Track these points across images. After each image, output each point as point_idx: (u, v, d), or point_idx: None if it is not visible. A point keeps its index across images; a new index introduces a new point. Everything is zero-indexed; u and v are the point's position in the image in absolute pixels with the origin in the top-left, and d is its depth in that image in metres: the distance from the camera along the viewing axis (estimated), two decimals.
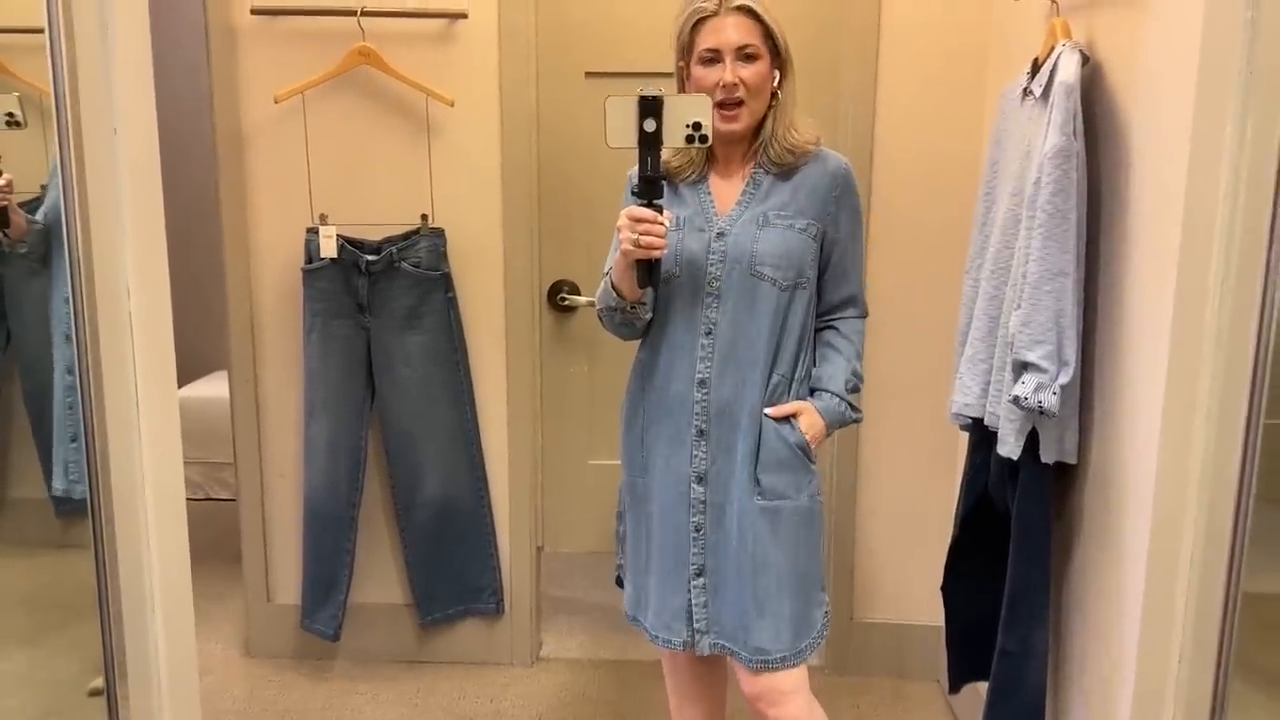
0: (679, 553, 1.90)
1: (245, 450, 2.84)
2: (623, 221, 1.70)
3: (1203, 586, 1.50)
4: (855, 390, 1.94)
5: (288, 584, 2.90)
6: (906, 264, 2.68)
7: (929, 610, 2.74)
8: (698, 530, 1.89)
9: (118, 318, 1.33)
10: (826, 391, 1.91)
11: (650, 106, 1.64)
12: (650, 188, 1.68)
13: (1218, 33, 1.41)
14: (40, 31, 2.12)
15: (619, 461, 2.01)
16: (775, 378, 1.88)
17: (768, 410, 1.85)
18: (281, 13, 2.58)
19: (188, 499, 4.28)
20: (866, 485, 2.80)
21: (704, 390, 1.86)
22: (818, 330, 1.97)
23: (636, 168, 1.91)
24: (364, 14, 2.52)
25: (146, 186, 1.35)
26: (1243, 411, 1.47)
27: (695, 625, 1.89)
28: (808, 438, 1.87)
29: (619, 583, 2.09)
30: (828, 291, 1.94)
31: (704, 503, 1.88)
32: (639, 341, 1.98)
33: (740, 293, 1.82)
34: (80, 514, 2.24)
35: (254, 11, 2.58)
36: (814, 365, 1.96)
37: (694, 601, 1.89)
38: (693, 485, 1.88)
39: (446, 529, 2.77)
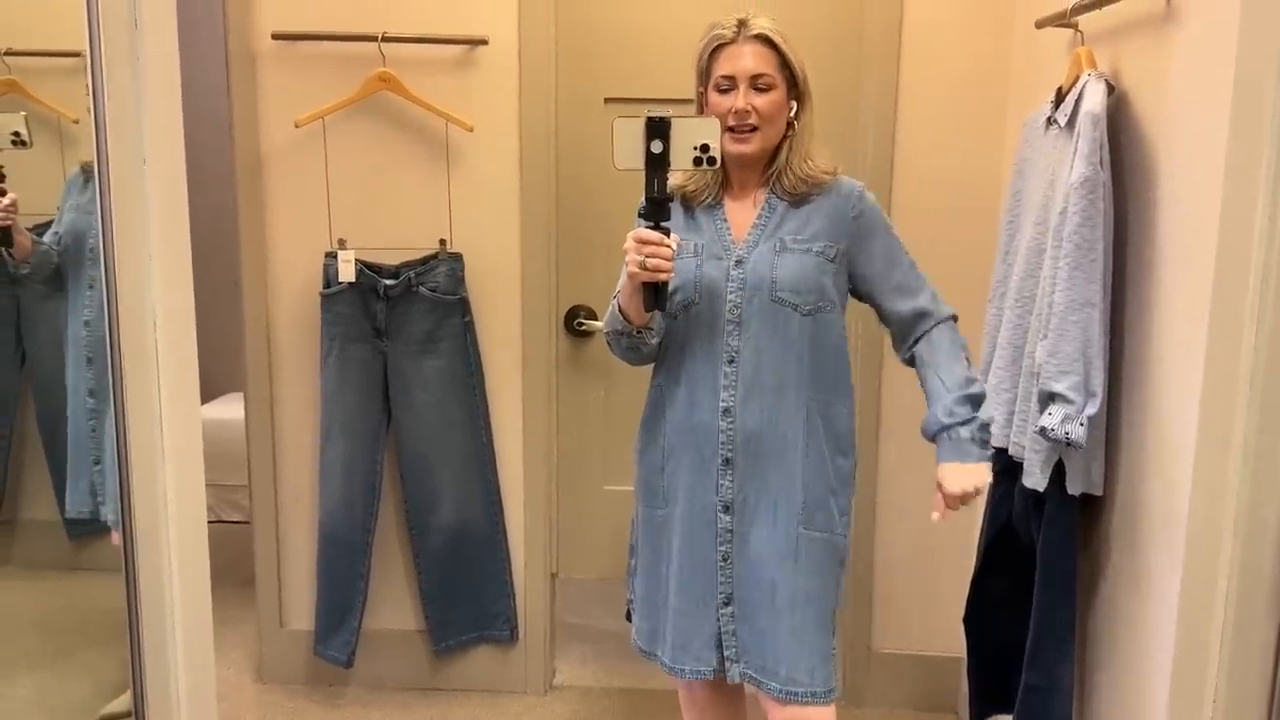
0: (706, 582, 1.87)
1: (260, 473, 2.83)
2: (629, 244, 1.68)
3: (1239, 629, 1.48)
4: (970, 395, 1.80)
5: (301, 609, 2.88)
6: None
7: (948, 641, 2.71)
8: (725, 560, 1.87)
9: (144, 344, 1.32)
10: (945, 428, 1.81)
11: (657, 128, 1.63)
12: (657, 210, 1.67)
13: (1253, 63, 1.40)
14: (58, 55, 2.14)
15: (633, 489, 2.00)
16: (816, 400, 1.85)
17: (934, 516, 1.84)
18: (302, 38, 2.59)
19: None
20: (886, 514, 2.77)
21: (729, 419, 1.84)
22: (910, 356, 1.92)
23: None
24: (385, 40, 2.53)
25: (174, 216, 1.35)
26: (1244, 437, 1.46)
27: (726, 654, 1.88)
28: (972, 488, 1.77)
29: (629, 617, 2.06)
30: (892, 314, 1.89)
31: (731, 532, 1.86)
32: (653, 369, 1.97)
33: (762, 319, 1.81)
34: (93, 536, 2.23)
35: (275, 36, 2.59)
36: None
37: (724, 630, 1.87)
38: (719, 515, 1.86)
39: (461, 555, 2.75)
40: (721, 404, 1.84)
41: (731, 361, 1.83)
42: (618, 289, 1.88)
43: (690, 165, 1.66)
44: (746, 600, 1.86)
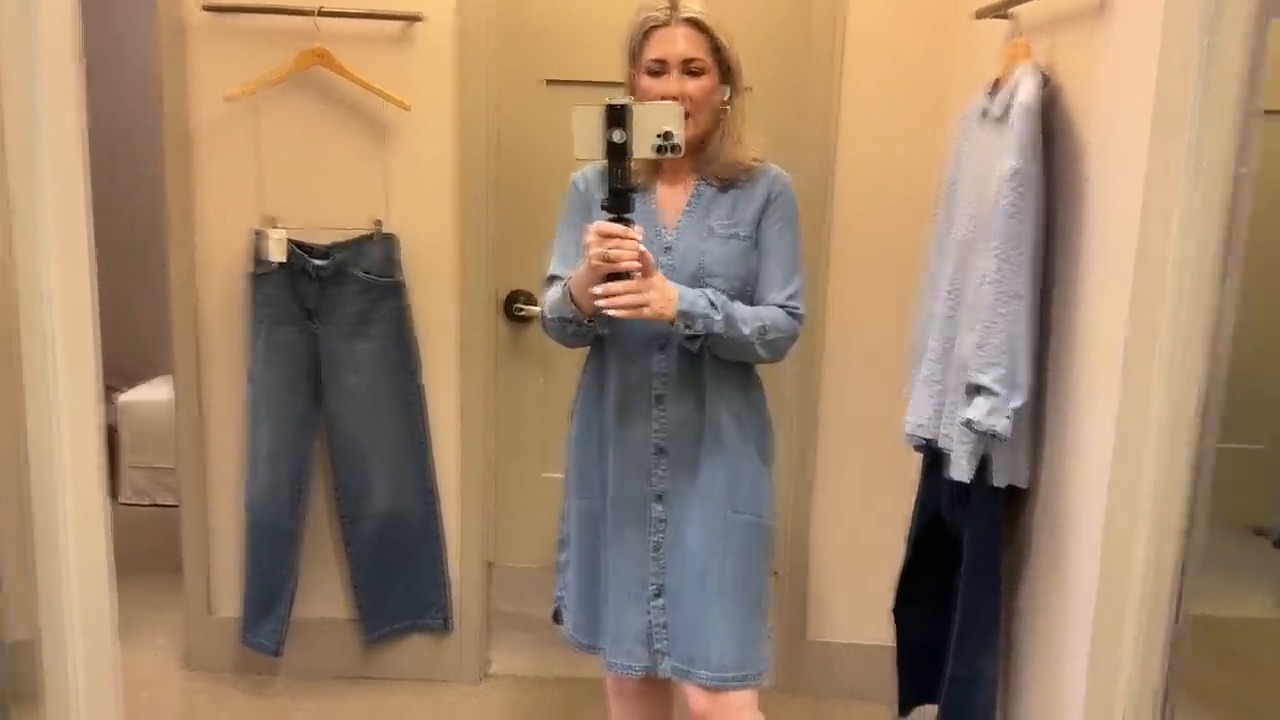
0: (638, 574, 1.87)
1: (187, 457, 2.76)
2: (590, 237, 1.64)
3: (1151, 618, 1.48)
4: (731, 322, 1.76)
5: (230, 596, 2.82)
6: (866, 283, 2.66)
7: (883, 631, 2.71)
8: (657, 550, 1.87)
9: (40, 327, 1.26)
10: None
11: (618, 116, 1.59)
12: (620, 201, 1.63)
13: (1175, 55, 1.40)
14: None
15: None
16: (743, 383, 1.88)
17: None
18: (234, 10, 2.52)
19: (133, 504, 4.16)
20: (821, 503, 2.77)
21: (661, 407, 1.84)
22: None
23: (582, 174, 1.91)
24: (320, 13, 2.47)
25: (71, 189, 1.29)
26: (1191, 437, 1.46)
27: (656, 647, 1.87)
28: (651, 300, 1.67)
29: (556, 617, 2.04)
30: (756, 296, 1.88)
31: (663, 521, 1.86)
32: (585, 357, 1.95)
33: None
34: None
35: (206, 8, 2.52)
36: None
37: (654, 623, 1.87)
38: (651, 504, 1.86)
39: (394, 542, 2.71)
40: (654, 391, 1.84)
41: (663, 349, 1.83)
42: (553, 269, 1.87)
43: (652, 154, 1.63)
44: (678, 590, 1.86)
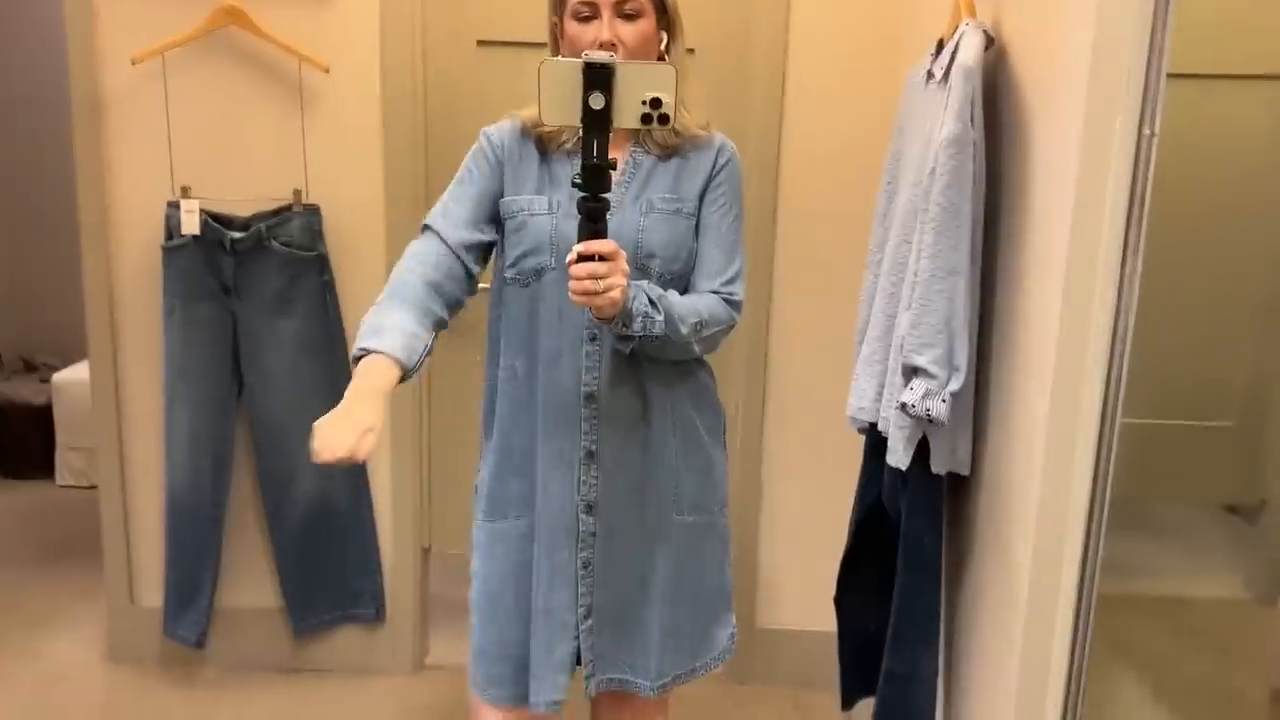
0: (565, 597, 1.66)
1: (105, 441, 2.63)
2: (573, 266, 1.41)
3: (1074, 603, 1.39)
4: (670, 322, 1.55)
5: (154, 585, 2.70)
6: (815, 259, 2.54)
7: (830, 618, 2.62)
8: (586, 567, 1.66)
9: None
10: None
11: (599, 76, 1.32)
12: (597, 179, 1.36)
13: (1112, 12, 1.28)
14: None
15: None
16: (683, 371, 1.68)
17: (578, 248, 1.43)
18: None
19: (70, 486, 4.03)
20: (771, 488, 2.67)
21: (593, 405, 1.63)
22: None
23: (497, 128, 1.68)
24: None
25: None
26: (1095, 411, 1.36)
27: (585, 672, 1.69)
28: (601, 290, 1.43)
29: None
30: (691, 280, 1.69)
31: (593, 535, 1.65)
32: (490, 351, 1.71)
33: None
34: None
35: None
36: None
37: (582, 646, 1.68)
38: (581, 516, 1.65)
39: (322, 529, 2.59)
40: (584, 388, 1.62)
41: (594, 338, 1.62)
42: (435, 212, 1.68)
43: (638, 123, 1.36)
44: (608, 605, 1.68)
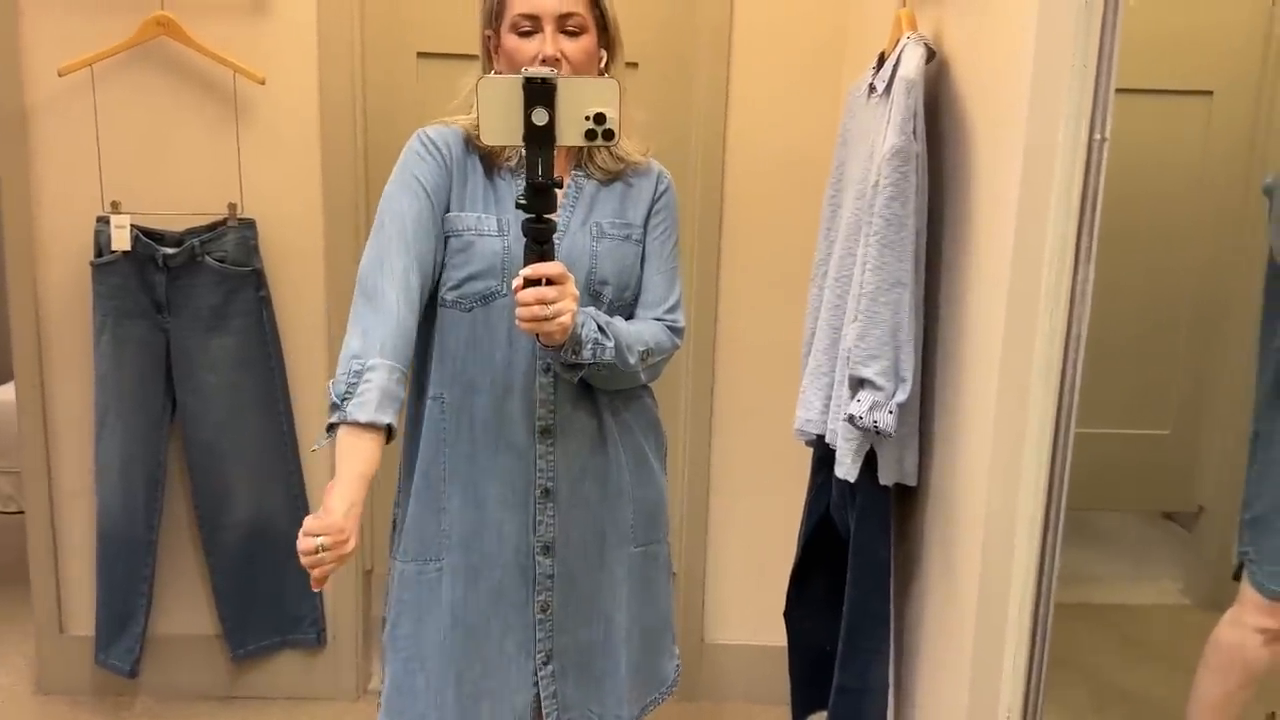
0: (522, 643, 1.59)
1: (32, 464, 2.53)
2: (521, 293, 1.34)
3: (1030, 612, 1.39)
4: (620, 350, 1.51)
5: (84, 612, 2.60)
6: (760, 272, 2.54)
7: (783, 632, 2.61)
8: (544, 610, 1.59)
9: None
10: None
11: (540, 92, 1.28)
12: (542, 199, 1.31)
13: (1052, 26, 1.29)
14: None
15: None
16: (633, 397, 1.64)
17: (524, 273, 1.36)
18: None
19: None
20: (718, 500, 2.65)
21: (549, 440, 1.55)
22: None
23: (439, 132, 1.57)
24: None
25: None
26: (1043, 419, 1.36)
27: (546, 715, 1.62)
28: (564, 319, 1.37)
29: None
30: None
31: (551, 577, 1.58)
32: (418, 379, 1.59)
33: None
34: None
35: None
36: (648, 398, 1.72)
37: (544, 693, 1.61)
38: (538, 558, 1.57)
39: (259, 553, 2.51)
40: (539, 422, 1.54)
41: (549, 369, 1.54)
42: (381, 223, 1.52)
43: (582, 140, 1.31)
44: (573, 651, 1.62)
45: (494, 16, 1.53)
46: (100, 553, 2.48)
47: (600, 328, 1.49)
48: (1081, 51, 1.18)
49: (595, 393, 1.59)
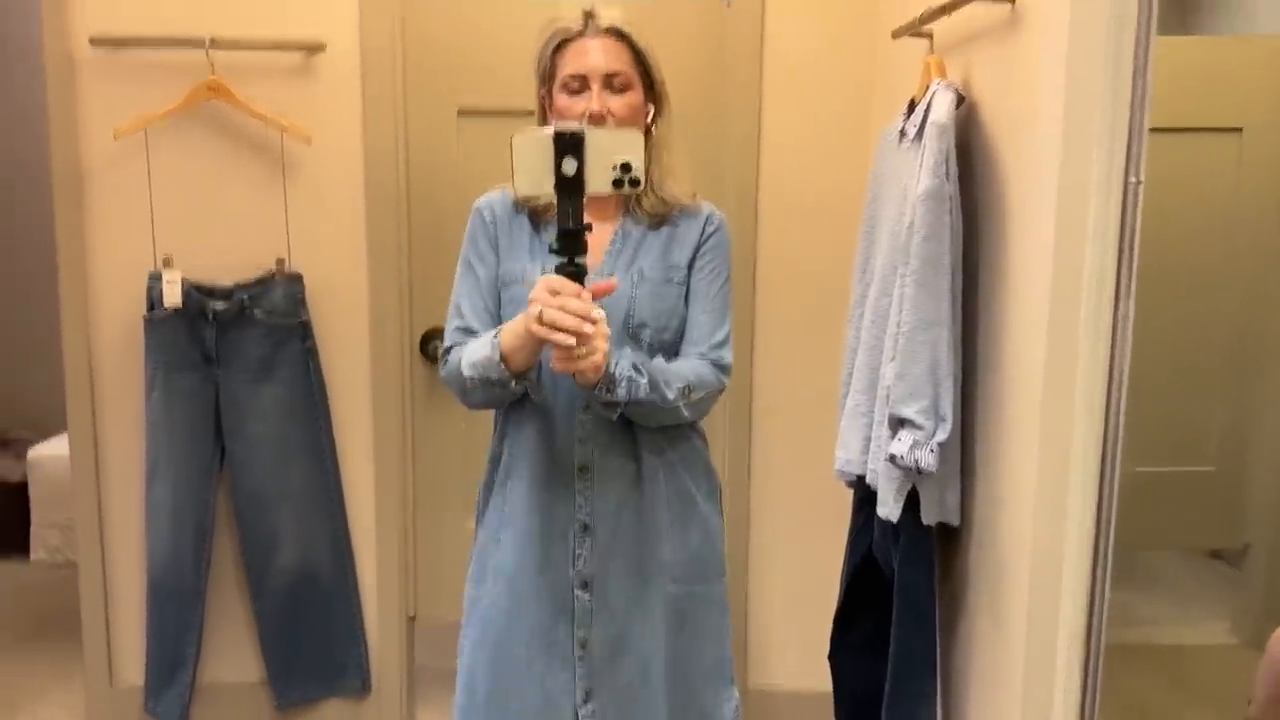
0: (562, 679, 1.62)
1: (85, 515, 2.59)
2: (538, 292, 1.38)
3: (1080, 652, 1.38)
4: (655, 385, 1.55)
5: (133, 663, 2.64)
6: (796, 314, 2.56)
7: (825, 677, 2.60)
8: (583, 646, 1.62)
9: None
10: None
11: (569, 144, 1.35)
12: (572, 243, 1.37)
13: (1082, 71, 1.32)
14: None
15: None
16: (677, 437, 1.66)
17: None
18: (124, 43, 2.39)
19: (46, 563, 3.94)
20: (759, 543, 2.66)
21: (586, 477, 1.61)
22: None
23: (487, 200, 1.69)
24: (213, 45, 2.34)
25: None
26: (1088, 457, 1.37)
27: None
28: (595, 360, 1.42)
29: None
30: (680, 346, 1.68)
31: (590, 612, 1.62)
32: (495, 420, 1.70)
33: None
34: None
35: (94, 42, 2.39)
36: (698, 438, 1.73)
37: None
38: (576, 592, 1.62)
39: (305, 600, 2.54)
40: (577, 460, 1.61)
41: (587, 407, 1.59)
42: (461, 320, 1.64)
43: (609, 188, 1.38)
44: (613, 690, 1.63)
45: (547, 78, 1.63)
46: (150, 601, 2.52)
47: (635, 365, 1.54)
48: (1111, 95, 1.20)
49: (636, 432, 1.62)
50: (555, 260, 1.39)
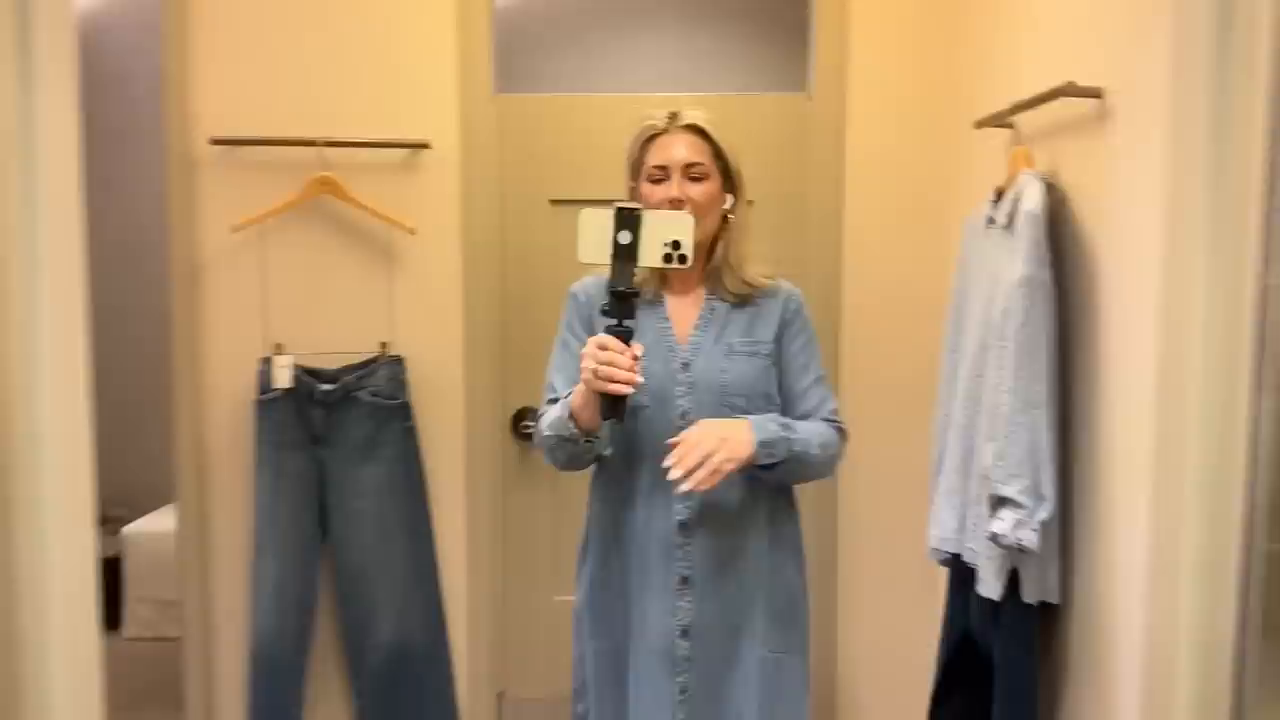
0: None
1: (191, 589, 2.68)
2: (589, 348, 1.57)
3: None
4: (797, 446, 1.70)
5: None
6: (879, 395, 2.62)
7: None
8: (683, 693, 1.73)
9: (34, 461, 1.23)
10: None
11: (627, 219, 1.55)
12: (622, 304, 1.56)
13: (1183, 166, 1.39)
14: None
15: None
16: (772, 504, 1.79)
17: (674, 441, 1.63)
18: (242, 143, 2.56)
19: (137, 639, 4.04)
20: (847, 624, 2.68)
21: (686, 534, 1.73)
22: None
23: (581, 285, 1.86)
24: (325, 144, 2.50)
25: (69, 326, 1.27)
26: (1235, 547, 1.39)
27: None
28: (723, 452, 1.60)
29: None
30: (792, 410, 1.81)
31: (689, 659, 1.73)
32: (595, 483, 1.85)
33: None
34: None
35: (213, 141, 2.56)
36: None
37: None
38: (677, 641, 1.73)
39: (402, 674, 2.60)
40: (677, 517, 1.73)
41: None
42: (553, 391, 1.79)
43: (660, 262, 1.58)
44: None
45: (636, 169, 1.81)
46: (253, 675, 2.59)
47: (781, 423, 1.68)
48: (1212, 188, 1.27)
49: (733, 496, 1.74)
50: (647, 320, 1.62)
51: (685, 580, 1.73)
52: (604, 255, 1.55)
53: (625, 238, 1.55)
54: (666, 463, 1.60)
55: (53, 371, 1.24)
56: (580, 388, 1.63)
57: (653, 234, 1.56)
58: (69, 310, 1.28)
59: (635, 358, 1.56)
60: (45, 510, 1.25)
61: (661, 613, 1.73)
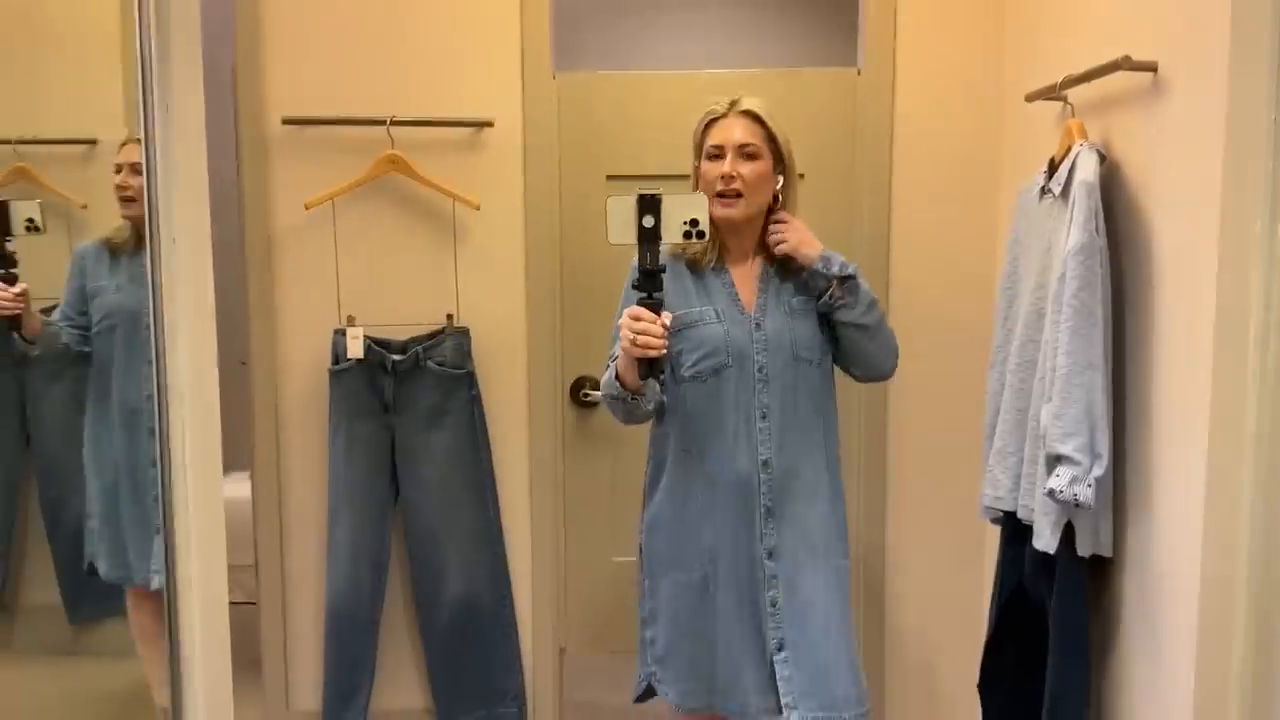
0: (757, 632, 1.98)
1: (267, 553, 2.82)
2: (624, 320, 1.78)
3: (1256, 691, 1.47)
4: (864, 285, 2.00)
5: (306, 690, 2.84)
6: (927, 361, 2.69)
7: (964, 710, 2.68)
8: (774, 605, 1.97)
9: (176, 418, 1.35)
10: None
11: (649, 204, 1.73)
12: (650, 280, 1.76)
13: (1243, 137, 1.46)
14: (66, 143, 2.22)
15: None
16: (828, 439, 2.04)
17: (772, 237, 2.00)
18: (312, 123, 2.66)
19: None
20: (894, 581, 2.77)
21: (768, 471, 1.98)
22: None
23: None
24: (393, 123, 2.60)
25: (201, 292, 1.38)
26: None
27: (784, 700, 1.94)
28: (794, 241, 1.96)
29: (643, 696, 2.10)
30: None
31: (777, 578, 1.97)
32: (665, 437, 2.04)
33: (785, 376, 1.98)
34: (93, 621, 2.20)
35: (285, 121, 2.66)
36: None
37: (780, 675, 1.95)
38: (765, 562, 1.98)
39: (468, 630, 2.73)
40: (760, 456, 1.97)
41: (765, 417, 1.97)
42: (612, 353, 1.98)
43: (680, 238, 1.78)
44: (801, 643, 1.95)
45: (698, 149, 2.02)
46: (330, 632, 2.72)
47: (843, 263, 1.98)
48: (1272, 158, 1.34)
49: (800, 434, 2.00)
50: (716, 288, 1.94)
51: (769, 510, 1.98)
52: (631, 236, 1.74)
53: (648, 221, 1.73)
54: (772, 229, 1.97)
55: (188, 338, 1.35)
56: (621, 354, 1.85)
57: (672, 215, 1.75)
58: (199, 281, 1.39)
59: (665, 326, 1.76)
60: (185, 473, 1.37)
61: (750, 541, 1.97)
